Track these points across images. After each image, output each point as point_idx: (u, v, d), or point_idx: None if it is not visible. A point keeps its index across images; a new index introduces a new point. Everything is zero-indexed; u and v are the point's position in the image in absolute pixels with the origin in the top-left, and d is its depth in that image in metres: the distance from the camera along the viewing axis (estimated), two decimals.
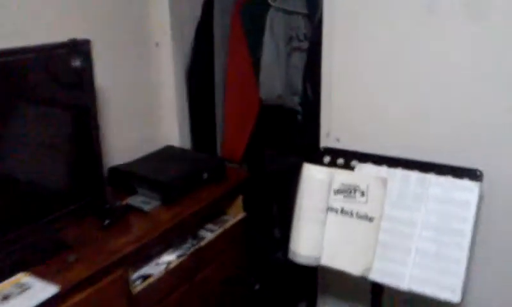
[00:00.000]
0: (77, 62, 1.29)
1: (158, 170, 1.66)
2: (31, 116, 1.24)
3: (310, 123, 1.99)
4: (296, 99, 2.13)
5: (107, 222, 1.40)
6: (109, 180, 1.67)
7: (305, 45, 2.04)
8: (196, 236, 1.67)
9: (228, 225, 1.76)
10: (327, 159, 1.56)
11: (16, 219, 1.24)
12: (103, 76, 1.75)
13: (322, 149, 1.60)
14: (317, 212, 1.44)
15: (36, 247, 1.26)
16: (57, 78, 1.28)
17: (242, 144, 2.16)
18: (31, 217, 1.27)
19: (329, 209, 1.45)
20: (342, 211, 1.44)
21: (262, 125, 2.16)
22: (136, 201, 1.55)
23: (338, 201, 1.44)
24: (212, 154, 2.18)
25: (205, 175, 1.68)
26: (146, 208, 1.51)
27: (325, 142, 1.71)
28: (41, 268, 1.20)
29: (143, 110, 2.01)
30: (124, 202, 1.54)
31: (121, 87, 1.86)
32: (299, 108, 2.12)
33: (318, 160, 1.55)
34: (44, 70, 1.25)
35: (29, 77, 1.22)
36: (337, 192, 1.47)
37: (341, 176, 1.46)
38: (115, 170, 1.68)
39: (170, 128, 2.13)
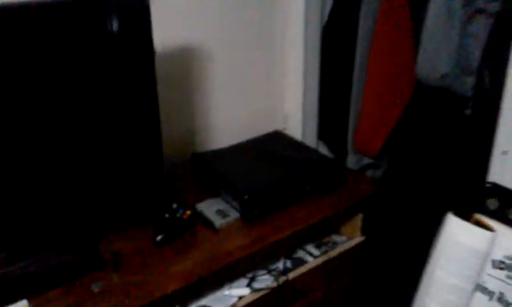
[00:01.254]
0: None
1: (247, 170, 1.26)
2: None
3: (480, 123, 1.36)
4: (470, 82, 1.49)
5: (159, 238, 1.07)
6: (192, 170, 1.34)
7: (495, 7, 1.36)
8: (286, 261, 1.26)
9: (335, 252, 1.31)
10: (493, 204, 0.98)
11: (36, 225, 0.98)
12: (200, 29, 1.40)
13: (488, 185, 1.01)
14: (456, 290, 0.91)
15: (55, 262, 0.99)
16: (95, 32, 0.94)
17: (382, 136, 1.62)
18: (56, 223, 1.01)
19: (479, 289, 0.90)
20: (502, 298, 0.89)
21: (412, 115, 1.58)
22: (210, 208, 1.18)
23: (498, 281, 0.89)
24: (341, 142, 1.69)
25: (308, 187, 1.23)
26: (219, 223, 1.13)
27: (497, 166, 1.09)
28: (52, 295, 0.94)
29: (255, 79, 1.60)
30: (197, 208, 1.19)
31: (226, 44, 1.47)
32: (470, 93, 1.48)
33: (477, 204, 0.98)
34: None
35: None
36: (499, 266, 0.91)
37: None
38: (198, 157, 1.33)
39: (291, 105, 1.69)
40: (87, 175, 1.01)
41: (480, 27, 1.44)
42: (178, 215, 1.11)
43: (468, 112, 1.42)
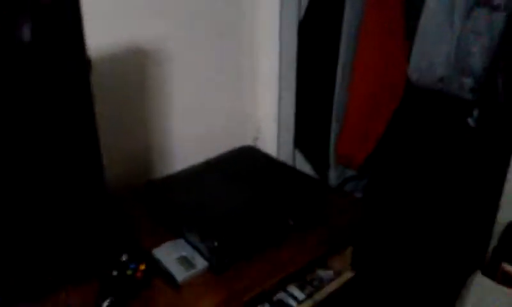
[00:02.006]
0: None
1: (215, 201, 1.02)
2: None
3: (490, 136, 1.18)
4: (469, 83, 1.30)
5: (106, 304, 0.82)
6: (146, 202, 1.09)
7: None
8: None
9: (322, 294, 1.10)
10: None
11: None
12: (155, 24, 1.14)
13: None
14: None
15: None
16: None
17: (368, 145, 1.41)
18: None
19: None
20: None
21: (402, 120, 1.38)
22: (170, 256, 0.94)
23: None
24: (322, 153, 1.47)
25: (291, 222, 1.01)
26: (182, 277, 0.89)
27: None
28: None
29: (222, 84, 1.36)
30: (154, 255, 0.94)
31: (187, 42, 1.23)
32: (469, 96, 1.30)
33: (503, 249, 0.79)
34: None
35: None
36: None
37: None
38: (154, 187, 1.08)
39: (264, 113, 1.46)
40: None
41: (482, 22, 1.25)
42: (129, 271, 0.86)
43: (471, 122, 1.22)
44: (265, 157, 1.24)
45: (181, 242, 0.98)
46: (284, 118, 1.48)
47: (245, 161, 1.20)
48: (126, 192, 1.14)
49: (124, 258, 0.88)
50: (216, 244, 0.89)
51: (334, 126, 1.42)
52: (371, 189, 1.51)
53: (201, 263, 0.92)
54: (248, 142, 1.47)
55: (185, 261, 0.93)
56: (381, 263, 1.27)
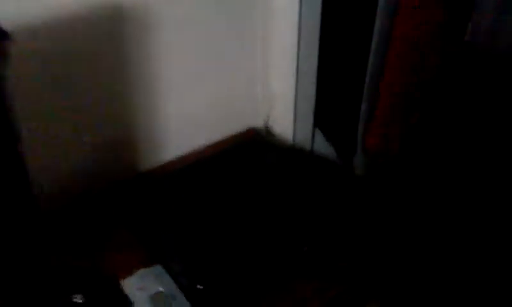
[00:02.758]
0: None
1: (206, 221, 0.78)
2: None
3: None
4: None
5: None
6: (121, 210, 0.86)
7: None
8: None
9: None
10: None
11: None
12: None
13: None
14: None
15: None
16: None
17: (405, 128, 1.14)
18: None
19: None
20: None
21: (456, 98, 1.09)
22: (144, 292, 0.72)
23: None
24: (346, 135, 1.21)
25: (305, 248, 0.77)
26: None
27: None
28: None
29: (225, 52, 1.10)
30: (122, 287, 0.72)
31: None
32: None
33: None
34: None
35: None
36: None
37: None
38: (129, 188, 0.85)
39: (278, 86, 1.20)
40: None
41: None
42: None
43: None
44: (275, 148, 0.99)
45: (158, 270, 0.75)
46: (302, 93, 1.22)
47: (250, 155, 0.96)
48: (103, 188, 0.92)
49: (79, 299, 0.66)
50: (199, 287, 0.66)
51: (364, 106, 1.14)
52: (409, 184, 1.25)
53: (181, 304, 0.70)
54: (259, 122, 1.23)
55: (162, 301, 0.70)
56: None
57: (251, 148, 0.98)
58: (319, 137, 1.31)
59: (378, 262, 0.86)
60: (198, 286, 0.66)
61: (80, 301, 0.65)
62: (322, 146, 1.32)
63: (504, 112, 1.01)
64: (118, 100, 0.96)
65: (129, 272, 0.74)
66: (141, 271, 0.75)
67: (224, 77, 1.12)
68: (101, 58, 0.89)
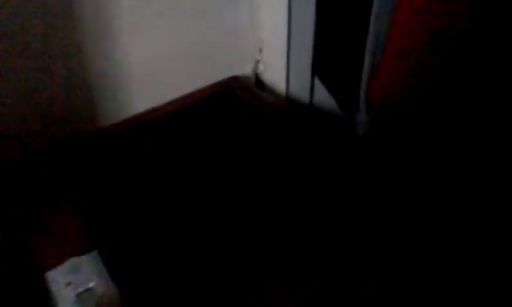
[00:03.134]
0: None
1: (158, 200, 0.63)
2: None
3: None
4: None
5: None
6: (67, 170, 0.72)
7: None
8: None
9: None
10: None
11: None
12: None
13: None
14: None
15: None
16: None
17: (420, 78, 0.95)
18: None
19: None
20: None
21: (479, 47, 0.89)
22: (71, 286, 0.59)
23: None
24: (348, 87, 1.02)
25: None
26: None
27: None
28: None
29: None
30: (46, 279, 0.59)
31: None
32: None
33: None
34: None
35: None
36: None
37: None
38: (76, 149, 0.71)
39: (269, 20, 1.02)
40: None
41: None
42: None
43: None
44: (246, 103, 0.82)
45: (95, 257, 0.62)
46: (297, 33, 1.03)
47: (221, 112, 0.79)
48: (52, 149, 0.78)
49: None
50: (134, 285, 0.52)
51: (368, 58, 0.95)
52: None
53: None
54: (245, 67, 1.05)
55: (92, 301, 0.57)
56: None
57: (225, 102, 0.82)
58: (319, 88, 1.14)
59: (376, 242, 0.71)
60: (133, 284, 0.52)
61: None
62: (322, 99, 1.14)
63: None
64: (67, 37, 0.80)
65: (60, 261, 0.61)
66: (73, 260, 0.61)
67: (202, 14, 0.93)
68: None
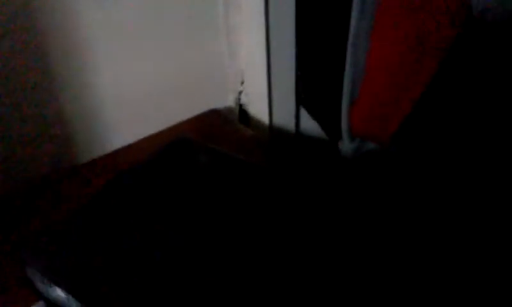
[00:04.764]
0: None
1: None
2: None
3: None
4: None
5: None
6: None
7: None
8: None
9: None
10: None
11: None
12: None
13: None
14: None
15: None
16: None
17: (401, 109, 0.92)
18: None
19: None
20: None
21: (455, 75, 0.86)
22: None
23: None
24: (331, 116, 1.00)
25: None
26: None
27: None
28: None
29: (180, 15, 0.91)
30: None
31: None
32: None
33: None
34: None
35: None
36: None
37: None
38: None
39: (250, 50, 1.01)
40: None
41: None
42: None
43: None
44: (243, 140, 0.81)
45: None
46: (278, 62, 1.02)
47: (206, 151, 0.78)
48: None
49: None
50: None
51: (347, 87, 0.93)
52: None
53: None
54: (228, 98, 1.05)
55: None
56: None
57: (204, 137, 0.81)
58: (305, 116, 1.12)
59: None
60: None
61: None
62: (310, 127, 1.12)
63: None
64: (43, 78, 0.81)
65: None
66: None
67: (180, 46, 0.94)
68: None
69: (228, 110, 1.03)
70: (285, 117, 1.07)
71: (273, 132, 1.04)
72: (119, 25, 0.83)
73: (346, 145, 1.01)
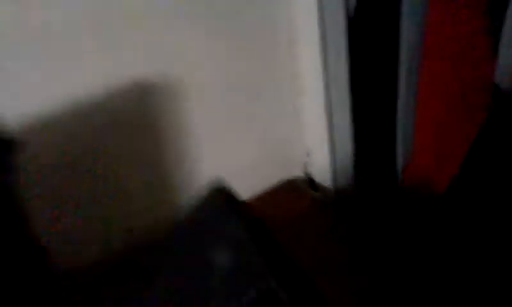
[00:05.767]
0: None
1: None
2: None
3: None
4: None
5: None
6: None
7: None
8: None
9: None
10: None
11: None
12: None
13: None
14: None
15: None
16: None
17: (449, 168, 1.09)
18: None
19: None
20: None
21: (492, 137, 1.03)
22: None
23: None
24: (389, 179, 1.17)
25: None
26: None
27: None
28: None
29: (258, 109, 1.13)
30: None
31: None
32: None
33: None
34: None
35: None
36: None
37: None
38: None
39: (313, 130, 1.21)
40: None
41: None
42: None
43: None
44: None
45: None
46: (339, 135, 1.21)
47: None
48: None
49: None
50: None
51: (401, 139, 1.11)
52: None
53: None
54: (297, 168, 1.24)
55: None
56: None
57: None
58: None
59: None
60: None
61: None
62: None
63: None
64: (153, 165, 1.03)
65: None
66: None
67: (255, 132, 1.15)
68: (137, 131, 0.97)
69: (298, 179, 1.22)
70: (346, 181, 1.25)
71: (338, 195, 1.21)
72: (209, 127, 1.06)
73: (401, 199, 1.17)
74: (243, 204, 0.58)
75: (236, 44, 1.05)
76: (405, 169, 1.13)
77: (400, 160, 1.13)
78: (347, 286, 0.86)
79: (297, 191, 1.13)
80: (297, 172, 1.24)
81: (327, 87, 1.14)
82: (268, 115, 1.16)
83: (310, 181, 1.23)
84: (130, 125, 0.96)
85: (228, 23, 1.02)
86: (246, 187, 1.11)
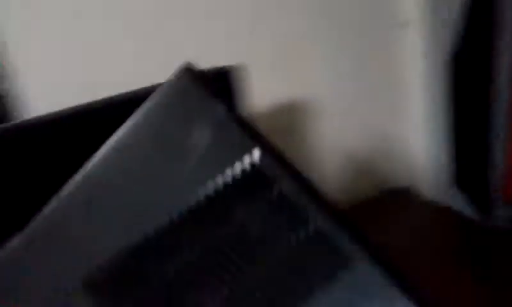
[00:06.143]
0: None
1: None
2: None
3: None
4: None
5: None
6: None
7: None
8: None
9: None
10: None
11: None
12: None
13: None
14: None
15: None
16: None
17: None
18: None
19: None
20: None
21: None
22: None
23: None
24: (481, 189, 1.36)
25: None
26: None
27: None
28: None
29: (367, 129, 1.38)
30: None
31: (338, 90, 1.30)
32: None
33: None
34: None
35: None
36: None
37: None
38: None
39: (414, 149, 1.44)
40: None
41: None
42: None
43: None
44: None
45: None
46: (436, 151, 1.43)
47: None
48: None
49: None
50: None
51: (498, 154, 1.30)
52: None
53: None
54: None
55: None
56: None
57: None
58: (459, 196, 1.47)
59: None
60: None
61: None
62: (463, 205, 1.47)
63: None
64: None
65: None
66: None
67: (371, 152, 1.39)
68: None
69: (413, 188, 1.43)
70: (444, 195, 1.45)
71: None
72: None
73: (498, 212, 1.34)
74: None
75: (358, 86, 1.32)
76: (501, 181, 1.31)
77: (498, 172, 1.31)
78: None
79: (404, 196, 1.33)
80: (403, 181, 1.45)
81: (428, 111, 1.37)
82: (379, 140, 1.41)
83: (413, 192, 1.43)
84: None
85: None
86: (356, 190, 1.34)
